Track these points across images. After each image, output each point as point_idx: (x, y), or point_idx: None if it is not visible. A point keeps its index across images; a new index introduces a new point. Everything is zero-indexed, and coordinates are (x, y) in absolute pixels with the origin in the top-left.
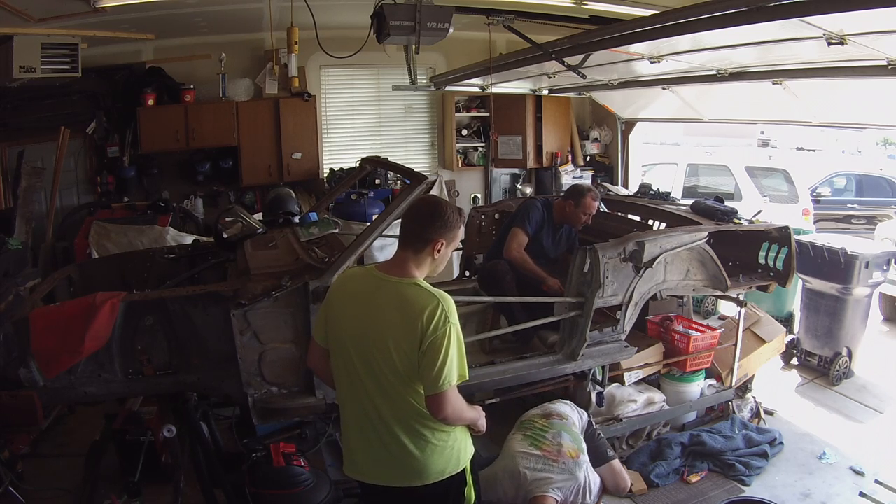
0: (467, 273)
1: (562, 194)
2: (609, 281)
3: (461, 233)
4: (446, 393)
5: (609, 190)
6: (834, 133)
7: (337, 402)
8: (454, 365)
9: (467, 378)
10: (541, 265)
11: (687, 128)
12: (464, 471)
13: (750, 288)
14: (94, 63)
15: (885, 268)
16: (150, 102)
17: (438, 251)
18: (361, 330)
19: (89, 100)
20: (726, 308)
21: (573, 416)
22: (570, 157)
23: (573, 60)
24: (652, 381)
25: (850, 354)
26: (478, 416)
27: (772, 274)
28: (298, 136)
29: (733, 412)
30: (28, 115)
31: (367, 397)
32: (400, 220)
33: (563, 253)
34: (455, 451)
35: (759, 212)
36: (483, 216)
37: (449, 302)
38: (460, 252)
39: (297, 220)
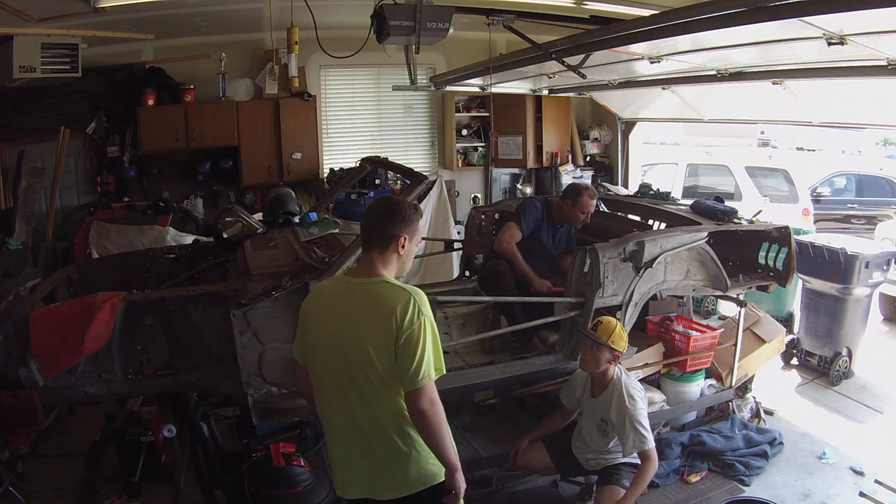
0: (467, 273)
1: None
2: (609, 281)
3: (422, 228)
4: (426, 387)
5: (609, 190)
6: (834, 133)
7: (320, 419)
8: (431, 358)
9: (444, 372)
10: (542, 264)
11: (687, 128)
12: (436, 486)
13: (750, 288)
14: (94, 63)
15: (885, 268)
16: (150, 102)
17: (403, 247)
18: (338, 336)
19: (89, 100)
20: (726, 308)
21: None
22: (570, 157)
23: (573, 60)
24: (652, 381)
25: (850, 354)
26: (458, 462)
27: (772, 274)
28: (298, 136)
29: (733, 412)
30: (28, 115)
31: (350, 408)
32: (361, 224)
33: (562, 253)
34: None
35: (759, 212)
36: (483, 216)
37: (421, 295)
38: (460, 252)
39: (297, 220)
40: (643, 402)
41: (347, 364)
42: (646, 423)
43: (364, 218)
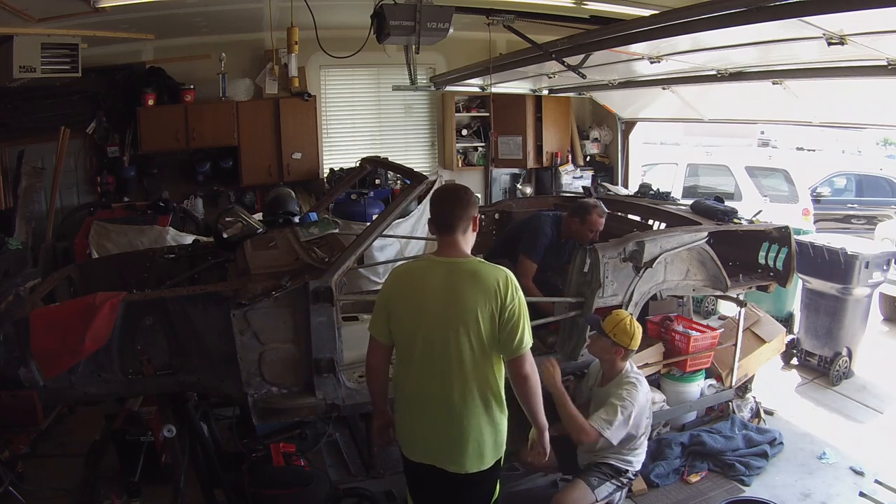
0: None
1: (564, 193)
2: (609, 281)
3: None
4: (527, 354)
5: (609, 190)
6: (834, 133)
7: (399, 393)
8: (529, 328)
9: (531, 343)
10: (544, 275)
11: (687, 128)
12: (500, 459)
13: (750, 288)
14: (94, 63)
15: (885, 268)
16: (150, 102)
17: (476, 224)
18: (449, 312)
19: (89, 100)
20: (726, 308)
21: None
22: (570, 157)
23: (573, 60)
24: (652, 381)
25: (850, 354)
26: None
27: (772, 274)
28: (298, 136)
29: (733, 412)
30: (28, 115)
31: (444, 378)
32: (434, 213)
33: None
34: (504, 435)
35: (759, 212)
36: (483, 216)
37: (511, 274)
38: None
39: (297, 220)
40: (635, 400)
41: (452, 333)
42: (623, 414)
43: (439, 207)
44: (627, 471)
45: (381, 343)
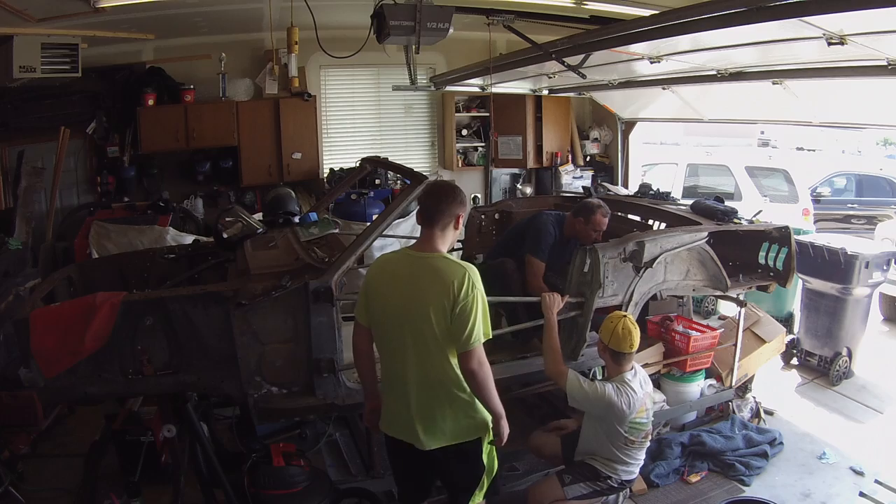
0: None
1: (564, 193)
2: (609, 281)
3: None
4: (475, 350)
5: (609, 190)
6: (834, 133)
7: (381, 371)
8: (481, 325)
9: (490, 336)
10: (547, 275)
11: (687, 128)
12: (480, 439)
13: (750, 288)
14: (94, 63)
15: (885, 268)
16: (150, 102)
17: (459, 223)
18: (407, 303)
19: (89, 100)
20: (726, 308)
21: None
22: (570, 157)
23: (573, 60)
24: (652, 381)
25: (850, 354)
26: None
27: (772, 274)
28: (298, 136)
29: (733, 412)
30: (28, 115)
31: (406, 364)
32: (420, 205)
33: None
34: (479, 417)
35: (759, 212)
36: (483, 216)
37: (474, 270)
38: (460, 252)
39: (297, 220)
40: (607, 396)
41: (410, 326)
42: (592, 391)
43: (426, 200)
44: (609, 477)
45: (363, 326)
